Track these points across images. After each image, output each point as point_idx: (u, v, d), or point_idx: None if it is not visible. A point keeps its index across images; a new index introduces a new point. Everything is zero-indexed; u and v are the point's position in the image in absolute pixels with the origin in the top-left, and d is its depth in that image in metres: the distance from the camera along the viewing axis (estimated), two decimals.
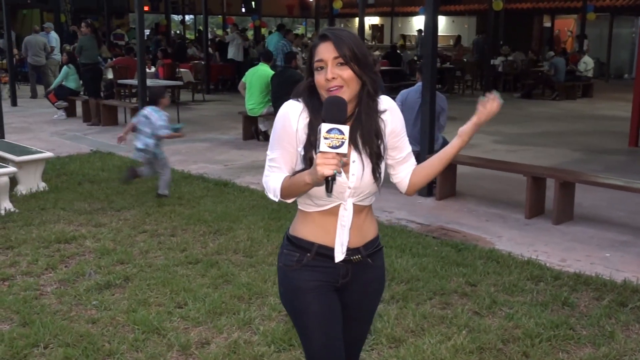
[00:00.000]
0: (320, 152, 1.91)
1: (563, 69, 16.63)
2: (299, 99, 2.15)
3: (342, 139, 1.91)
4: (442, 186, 6.80)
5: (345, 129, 1.92)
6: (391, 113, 2.21)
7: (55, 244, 5.22)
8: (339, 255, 2.17)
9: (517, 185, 6.78)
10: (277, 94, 9.56)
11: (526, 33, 25.68)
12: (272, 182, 2.14)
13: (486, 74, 16.74)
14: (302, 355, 3.43)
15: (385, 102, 2.21)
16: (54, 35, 17.45)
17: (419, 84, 7.00)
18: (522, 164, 7.08)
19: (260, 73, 10.04)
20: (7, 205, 6.09)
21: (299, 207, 2.21)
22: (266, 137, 10.25)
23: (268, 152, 2.18)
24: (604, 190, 6.57)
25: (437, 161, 2.31)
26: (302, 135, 2.12)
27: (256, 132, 10.43)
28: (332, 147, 1.90)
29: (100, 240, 5.33)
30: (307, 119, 2.12)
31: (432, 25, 6.77)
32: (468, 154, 8.09)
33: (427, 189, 6.88)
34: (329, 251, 2.18)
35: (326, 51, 2.06)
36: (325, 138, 1.90)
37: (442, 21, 27.30)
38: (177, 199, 6.54)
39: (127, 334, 3.73)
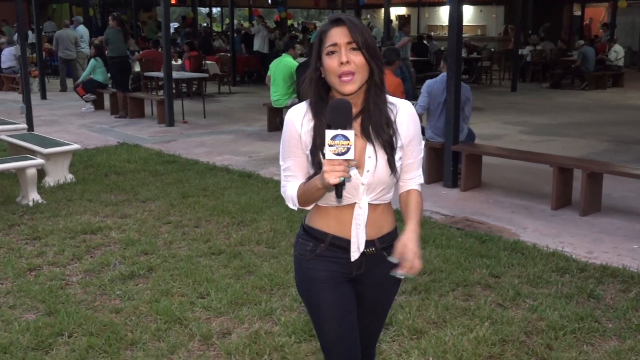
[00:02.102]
0: (326, 159, 1.88)
1: (592, 58, 16.35)
2: (305, 101, 2.12)
3: (348, 144, 1.86)
4: (467, 177, 6.74)
5: (350, 134, 1.87)
6: (409, 117, 2.16)
7: (81, 235, 5.29)
8: (355, 254, 2.15)
9: (544, 176, 6.68)
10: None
11: (555, 22, 25.28)
12: (289, 191, 2.13)
13: (513, 64, 16.51)
14: None
15: (405, 106, 2.17)
16: (82, 29, 17.64)
17: (443, 74, 6.93)
18: (548, 155, 6.98)
19: (284, 64, 10.04)
20: (35, 196, 6.18)
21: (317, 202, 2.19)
22: None
23: (281, 162, 2.16)
24: (633, 181, 6.46)
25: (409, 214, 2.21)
26: (307, 139, 2.09)
27: (281, 123, 10.41)
28: (338, 154, 1.86)
29: (125, 231, 5.39)
30: (312, 122, 2.08)
31: (456, 14, 6.69)
32: (494, 145, 8.01)
33: (452, 180, 6.83)
34: (342, 242, 2.16)
35: (340, 35, 2.02)
36: (330, 145, 1.86)
37: (470, 10, 26.99)
38: (201, 190, 6.58)
39: (150, 323, 3.77)
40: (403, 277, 2.08)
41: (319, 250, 2.18)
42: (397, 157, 2.12)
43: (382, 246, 2.20)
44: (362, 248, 2.15)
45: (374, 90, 2.09)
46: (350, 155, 1.86)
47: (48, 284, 4.31)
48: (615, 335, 3.62)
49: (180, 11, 34.53)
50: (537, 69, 18.58)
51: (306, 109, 2.10)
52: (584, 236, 5.31)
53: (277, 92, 10.11)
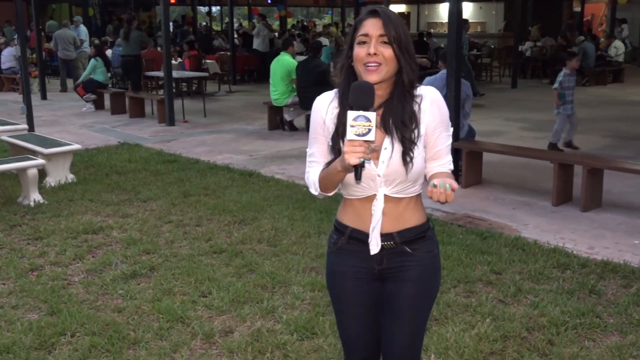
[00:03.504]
0: (347, 140, 1.89)
1: (593, 54, 16.33)
2: (334, 90, 2.14)
3: (369, 126, 1.87)
4: (468, 174, 6.74)
5: (372, 115, 1.88)
6: (433, 103, 2.11)
7: (83, 235, 5.30)
8: (374, 248, 2.13)
9: (544, 172, 6.69)
10: (302, 83, 9.56)
11: (555, 18, 25.25)
12: (312, 176, 2.16)
13: (514, 60, 16.50)
14: (325, 343, 3.46)
15: (429, 92, 2.12)
16: (83, 29, 17.65)
17: (443, 71, 6.93)
18: (549, 151, 6.98)
19: (282, 62, 10.05)
20: (37, 196, 6.19)
21: (343, 194, 2.21)
22: (291, 127, 10.26)
23: (307, 150, 2.20)
24: (634, 177, 6.47)
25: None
26: (331, 125, 2.11)
27: (281, 122, 10.44)
28: (359, 135, 1.87)
29: (126, 230, 5.40)
30: (337, 110, 2.10)
31: (456, 11, 6.69)
32: (495, 142, 8.01)
33: (454, 177, 6.82)
34: (361, 235, 2.15)
35: (373, 27, 2.04)
36: (352, 126, 1.87)
37: (469, 7, 26.96)
38: (202, 189, 6.59)
39: (152, 322, 3.78)
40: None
41: (340, 243, 2.20)
42: (415, 152, 2.07)
43: (401, 240, 2.15)
44: (378, 241, 2.12)
45: (401, 87, 2.08)
46: (371, 137, 1.88)
47: (50, 284, 4.32)
48: (617, 330, 3.62)
49: (180, 10, 34.51)
50: (538, 66, 18.56)
51: (333, 97, 2.14)
52: (585, 232, 5.31)
53: (276, 90, 10.12)
